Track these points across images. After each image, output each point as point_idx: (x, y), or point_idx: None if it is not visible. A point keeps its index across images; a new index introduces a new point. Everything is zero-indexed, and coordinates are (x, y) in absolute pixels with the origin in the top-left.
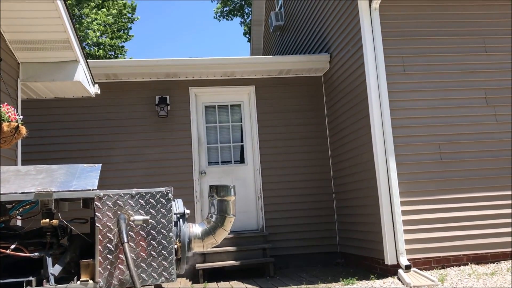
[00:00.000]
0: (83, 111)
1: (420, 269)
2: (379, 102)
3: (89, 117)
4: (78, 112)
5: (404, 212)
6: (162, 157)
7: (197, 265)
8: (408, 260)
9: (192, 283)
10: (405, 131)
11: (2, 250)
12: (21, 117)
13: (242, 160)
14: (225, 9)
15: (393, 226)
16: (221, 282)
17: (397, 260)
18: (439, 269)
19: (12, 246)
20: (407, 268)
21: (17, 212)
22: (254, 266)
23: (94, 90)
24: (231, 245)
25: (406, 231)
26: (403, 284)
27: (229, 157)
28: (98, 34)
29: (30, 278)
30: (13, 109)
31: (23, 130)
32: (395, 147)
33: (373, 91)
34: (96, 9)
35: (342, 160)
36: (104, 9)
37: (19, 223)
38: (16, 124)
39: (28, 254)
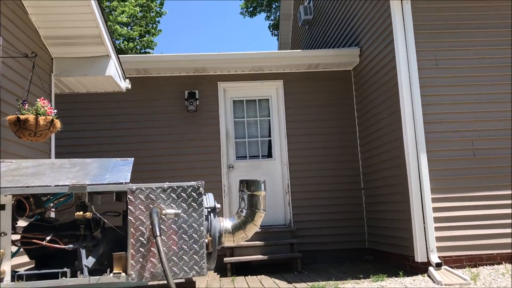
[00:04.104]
0: (114, 105)
1: (451, 267)
2: (410, 97)
3: (120, 112)
4: (109, 107)
5: (435, 209)
6: (191, 151)
7: (225, 259)
8: (439, 257)
9: (220, 277)
10: (437, 126)
11: (38, 241)
12: (55, 111)
13: (269, 155)
14: (250, 7)
15: (424, 223)
16: (249, 276)
17: (428, 258)
18: (471, 267)
19: (48, 238)
20: (438, 266)
21: (52, 205)
22: (281, 261)
23: (125, 84)
24: (259, 240)
25: (437, 228)
26: (434, 282)
27: (257, 152)
28: (126, 29)
29: (65, 269)
30: (48, 103)
31: (58, 123)
32: (426, 142)
33: (405, 86)
34: (123, 1)
35: (372, 155)
36: (132, 0)
37: (53, 215)
38: (51, 118)
39: (62, 246)
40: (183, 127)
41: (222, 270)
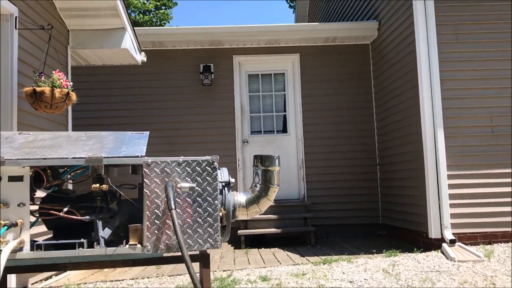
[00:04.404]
0: (129, 78)
1: (465, 244)
2: (429, 72)
3: (135, 85)
4: (124, 80)
5: (451, 186)
6: (206, 126)
7: (239, 232)
8: (453, 234)
9: (234, 249)
10: (456, 102)
11: (55, 212)
12: (71, 83)
13: (284, 130)
14: None
15: (439, 200)
16: (262, 248)
17: (442, 234)
18: (486, 245)
19: (65, 209)
20: (452, 242)
21: (69, 177)
22: (294, 235)
23: (140, 57)
24: (272, 213)
25: (452, 205)
26: (447, 258)
27: (272, 127)
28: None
29: (82, 240)
30: (64, 75)
31: (74, 96)
32: (444, 119)
33: (423, 60)
34: None
35: (388, 131)
36: None
37: (70, 187)
38: (67, 90)
39: (80, 217)
40: (198, 101)
41: (236, 242)
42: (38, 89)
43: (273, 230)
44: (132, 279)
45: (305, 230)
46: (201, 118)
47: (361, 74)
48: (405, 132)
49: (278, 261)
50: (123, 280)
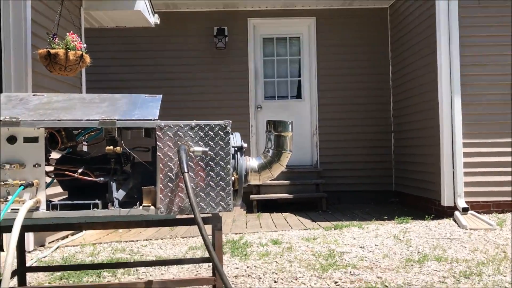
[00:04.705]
0: (142, 41)
1: (478, 213)
2: (448, 37)
3: (148, 48)
4: (137, 42)
5: (466, 154)
6: (219, 90)
7: (251, 196)
8: (466, 202)
9: (246, 213)
10: (475, 69)
11: (70, 173)
12: (85, 45)
13: (298, 95)
14: None
15: (453, 168)
16: (274, 213)
17: (454, 202)
18: (499, 213)
19: (80, 170)
20: (464, 210)
21: (83, 139)
22: (306, 200)
23: (154, 20)
24: (285, 179)
25: (466, 174)
26: (459, 226)
27: (286, 92)
28: None
29: (97, 201)
30: (77, 37)
31: (88, 58)
32: (462, 86)
33: (442, 25)
34: None
35: (404, 98)
36: None
37: (85, 149)
38: (81, 52)
39: (94, 179)
40: (211, 65)
41: (248, 207)
42: (52, 51)
43: (285, 195)
44: (146, 239)
45: (317, 196)
46: (214, 82)
47: (378, 39)
48: (422, 99)
49: (290, 225)
50: (137, 240)
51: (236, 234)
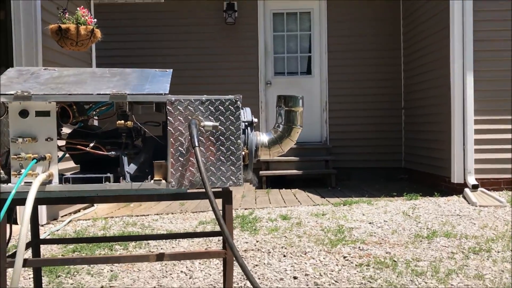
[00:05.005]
0: (152, 16)
1: (488, 190)
2: (462, 12)
3: (158, 23)
4: (147, 18)
5: (477, 131)
6: (229, 66)
7: (260, 172)
8: (476, 179)
9: (255, 189)
10: (488, 44)
11: (82, 147)
12: (95, 20)
13: (308, 72)
14: None
15: (464, 145)
16: (283, 189)
17: (464, 179)
18: (509, 191)
19: (91, 144)
20: (474, 187)
21: (94, 113)
22: (315, 177)
23: None
24: (294, 156)
25: (476, 150)
26: (469, 203)
27: (296, 68)
28: None
29: (108, 174)
30: (88, 12)
31: (98, 33)
32: (474, 61)
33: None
34: None
35: (416, 74)
36: None
37: (96, 124)
38: (92, 27)
39: (105, 153)
40: (221, 40)
41: (258, 182)
42: (63, 26)
43: (294, 171)
44: (157, 214)
45: (326, 172)
46: (223, 58)
47: (389, 14)
48: (433, 75)
49: (299, 201)
50: (148, 215)
51: (245, 209)
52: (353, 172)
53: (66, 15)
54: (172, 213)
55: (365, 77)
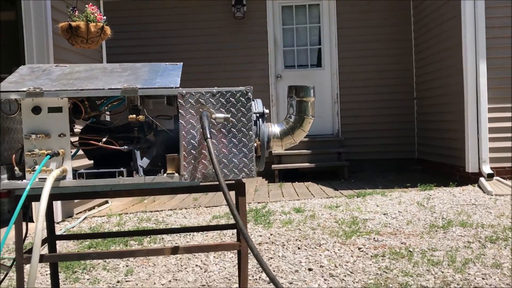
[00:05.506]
0: (161, 13)
1: (504, 178)
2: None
3: (167, 19)
4: (156, 14)
5: (491, 119)
6: (238, 60)
7: (273, 166)
8: (491, 168)
9: (268, 182)
10: (500, 31)
11: (94, 142)
12: (105, 17)
13: (319, 64)
14: None
15: (478, 134)
16: (296, 182)
17: (479, 168)
18: None
19: (104, 139)
20: (490, 176)
21: (106, 108)
22: (327, 169)
23: None
24: (306, 148)
25: (491, 139)
26: (484, 192)
27: (306, 61)
28: None
29: (122, 169)
30: (97, 9)
31: (108, 30)
32: (487, 49)
33: None
34: None
35: (427, 63)
36: None
37: (108, 119)
38: (102, 24)
39: (118, 147)
40: (230, 34)
41: (270, 176)
42: (73, 23)
43: (306, 164)
44: (171, 209)
45: (338, 164)
46: (233, 53)
47: (399, 4)
48: (445, 64)
49: (312, 194)
50: (162, 210)
51: (258, 203)
52: (366, 164)
53: (76, 13)
54: (186, 208)
55: (376, 68)
